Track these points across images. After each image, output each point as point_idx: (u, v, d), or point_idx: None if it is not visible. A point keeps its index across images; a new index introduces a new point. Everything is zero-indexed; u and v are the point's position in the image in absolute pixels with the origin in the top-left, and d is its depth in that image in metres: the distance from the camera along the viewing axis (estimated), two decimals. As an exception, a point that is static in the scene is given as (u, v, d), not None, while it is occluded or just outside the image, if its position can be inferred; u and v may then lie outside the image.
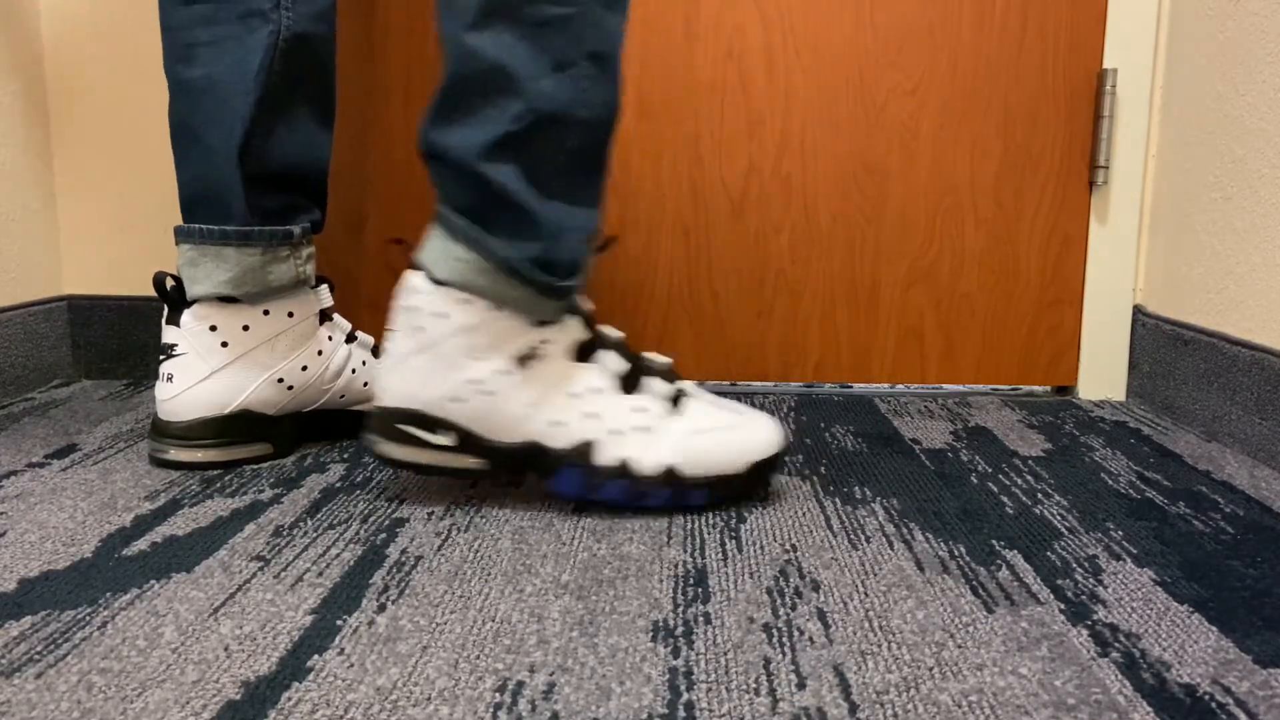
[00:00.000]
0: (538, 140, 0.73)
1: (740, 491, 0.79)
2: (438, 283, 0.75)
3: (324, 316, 0.93)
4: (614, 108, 0.76)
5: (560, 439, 0.76)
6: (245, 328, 0.87)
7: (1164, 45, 1.13)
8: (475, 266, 0.74)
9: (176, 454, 0.86)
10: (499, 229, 0.74)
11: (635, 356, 0.80)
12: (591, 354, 0.79)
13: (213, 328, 0.86)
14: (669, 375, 0.81)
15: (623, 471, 0.76)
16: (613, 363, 0.78)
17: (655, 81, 1.16)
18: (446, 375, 0.75)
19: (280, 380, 0.89)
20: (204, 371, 0.86)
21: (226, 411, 0.87)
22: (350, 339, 0.96)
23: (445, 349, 0.75)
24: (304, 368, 0.90)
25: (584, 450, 0.76)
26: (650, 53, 1.16)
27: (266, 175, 0.87)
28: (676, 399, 0.80)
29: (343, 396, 0.95)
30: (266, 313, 0.88)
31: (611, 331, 0.81)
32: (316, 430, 0.95)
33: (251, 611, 0.59)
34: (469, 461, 0.77)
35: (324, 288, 0.93)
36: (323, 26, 0.88)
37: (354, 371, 0.95)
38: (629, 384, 0.79)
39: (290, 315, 0.89)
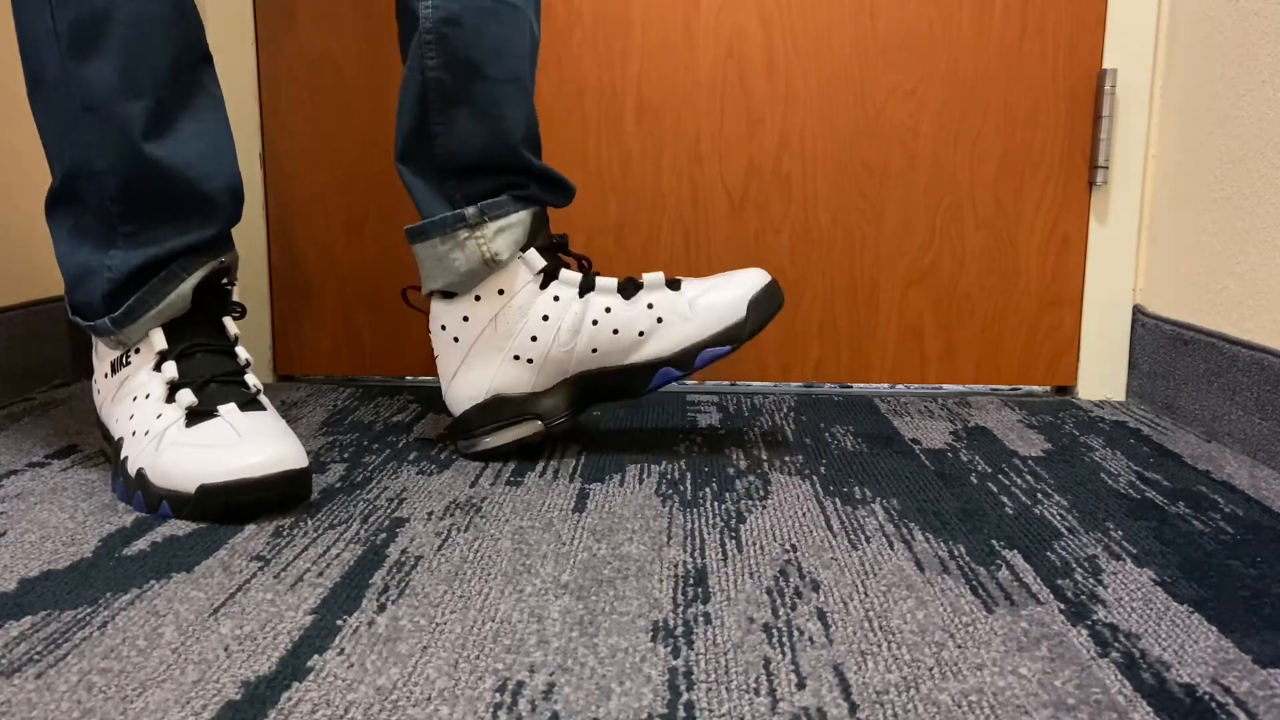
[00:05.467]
0: None
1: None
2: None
3: (549, 277, 0.88)
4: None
5: None
6: (465, 319, 0.89)
7: (1164, 45, 1.13)
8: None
9: (477, 447, 0.90)
10: None
11: None
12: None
13: (443, 327, 0.90)
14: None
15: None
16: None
17: (655, 81, 1.16)
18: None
19: (517, 357, 0.88)
20: (451, 370, 0.90)
21: (479, 401, 0.89)
22: (586, 289, 0.89)
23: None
24: (533, 338, 0.88)
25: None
26: (650, 53, 1.16)
27: (458, 166, 0.88)
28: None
29: (595, 351, 0.88)
30: (478, 298, 0.88)
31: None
32: (595, 393, 0.91)
33: (251, 611, 0.59)
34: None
35: (531, 252, 0.88)
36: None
37: (595, 323, 0.87)
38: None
39: (501, 293, 0.88)
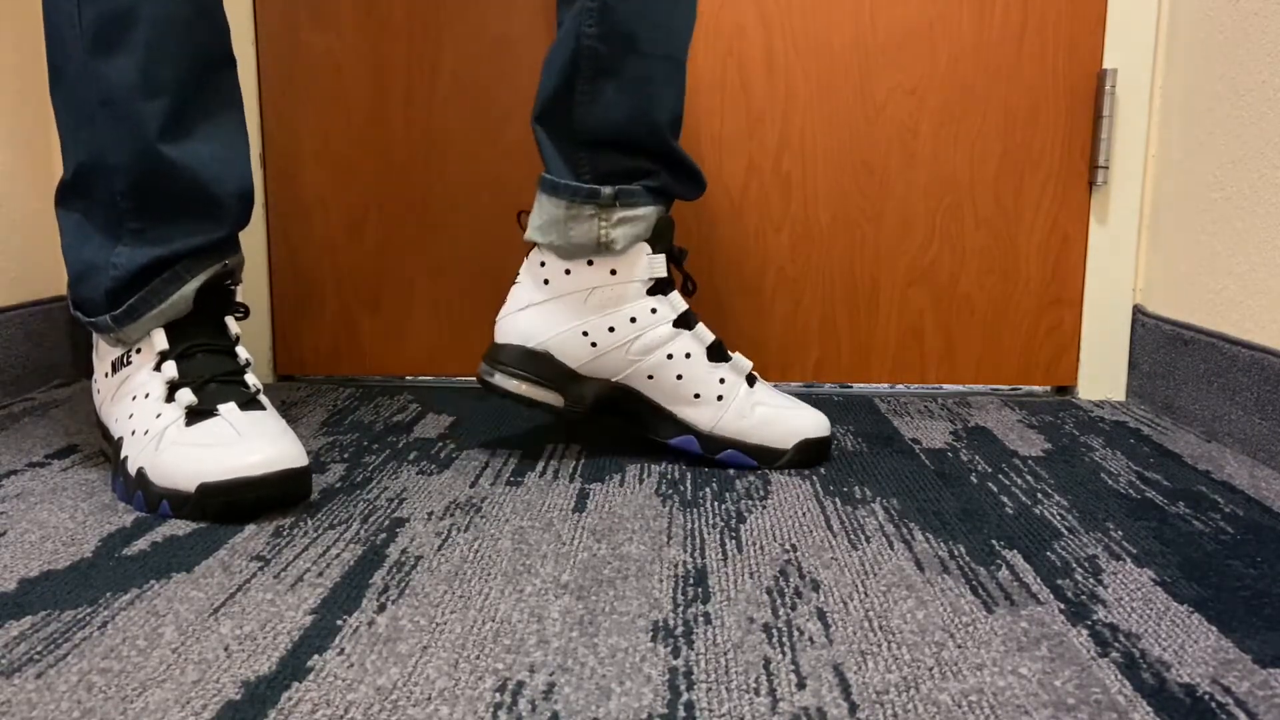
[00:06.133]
0: None
1: None
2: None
3: (662, 288, 0.88)
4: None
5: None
6: (567, 272, 0.88)
7: (1164, 45, 1.13)
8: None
9: (499, 379, 0.89)
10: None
11: None
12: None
13: (542, 264, 0.89)
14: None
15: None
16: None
17: (655, 81, 1.16)
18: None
19: (585, 334, 0.88)
20: (524, 301, 0.90)
21: (530, 345, 0.88)
22: (683, 324, 0.88)
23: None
24: (611, 329, 0.88)
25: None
26: (650, 53, 1.15)
27: (593, 139, 0.87)
28: None
29: (650, 378, 0.88)
30: (590, 263, 0.88)
31: None
32: (618, 407, 0.90)
33: (251, 611, 0.59)
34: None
35: (660, 258, 0.88)
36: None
37: (669, 357, 0.87)
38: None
39: (613, 273, 0.88)
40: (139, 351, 0.82)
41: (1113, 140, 1.15)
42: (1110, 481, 0.87)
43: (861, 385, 1.24)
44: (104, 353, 0.85)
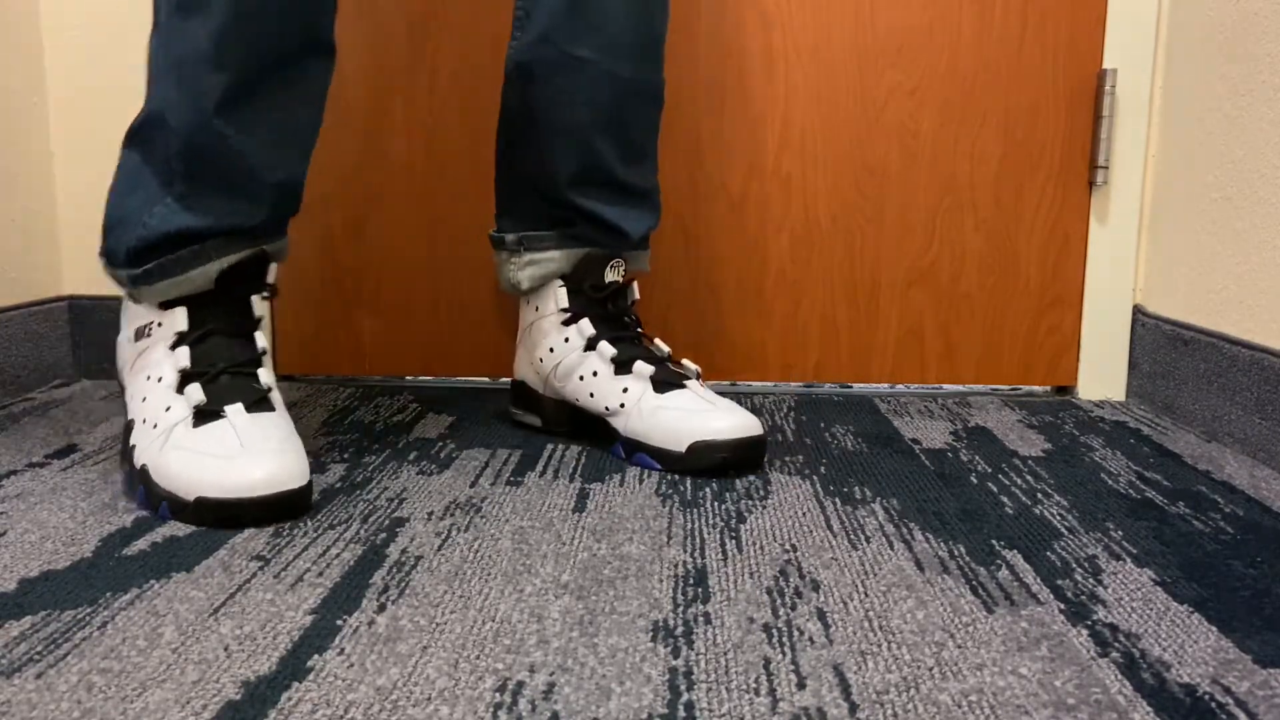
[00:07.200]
0: None
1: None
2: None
3: (574, 318, 0.95)
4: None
5: None
6: (522, 310, 1.01)
7: (1164, 45, 1.13)
8: None
9: (510, 407, 1.04)
10: None
11: None
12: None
13: (525, 303, 1.01)
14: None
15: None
16: None
17: (655, 81, 1.16)
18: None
19: (531, 364, 0.99)
20: (517, 341, 1.03)
21: (515, 376, 1.03)
22: (590, 347, 0.94)
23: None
24: (541, 359, 0.98)
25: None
26: (650, 53, 1.15)
27: (509, 191, 1.00)
28: None
29: (578, 398, 0.95)
30: (526, 302, 1.00)
31: None
32: (582, 422, 0.97)
33: (251, 611, 0.59)
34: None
35: (562, 290, 0.95)
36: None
37: (581, 379, 0.94)
38: None
39: (537, 309, 0.98)
40: (160, 325, 0.82)
41: (1113, 140, 1.15)
42: (1110, 481, 0.87)
43: (861, 385, 1.24)
44: (131, 315, 0.85)
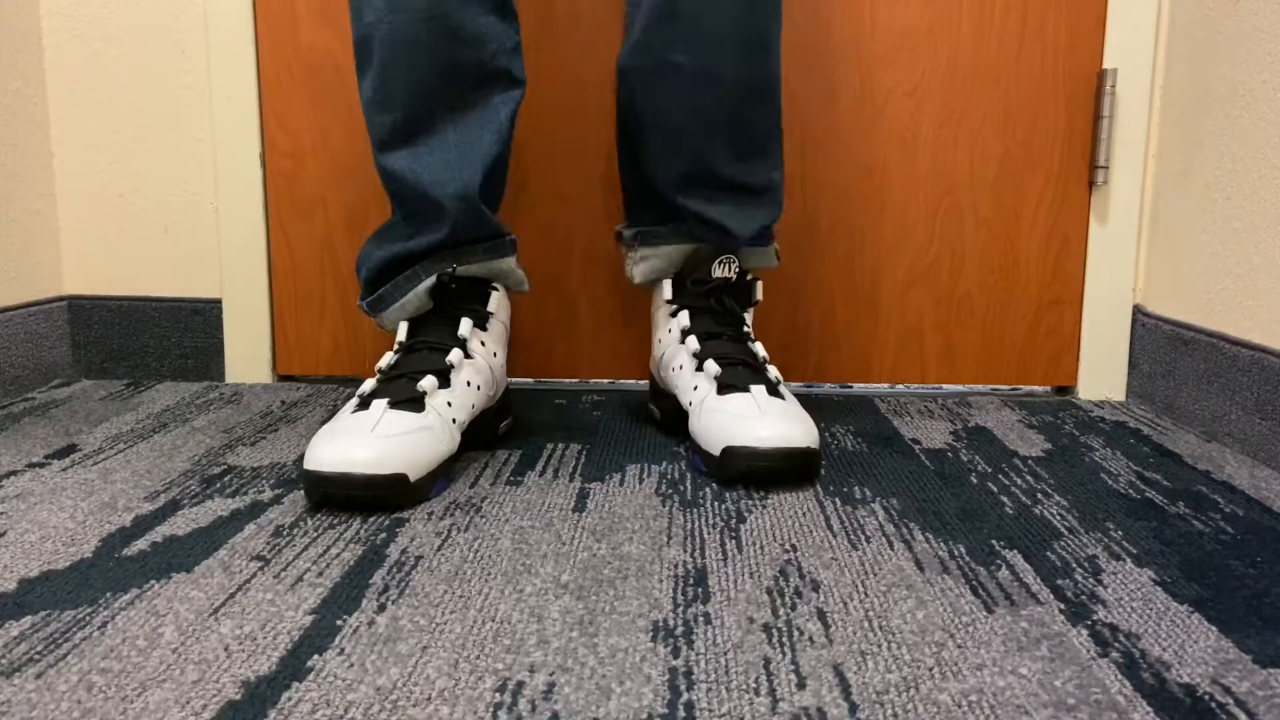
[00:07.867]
0: None
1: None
2: None
3: (677, 310, 0.97)
4: None
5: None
6: (654, 299, 1.03)
7: (1164, 45, 1.13)
8: None
9: (650, 407, 1.07)
10: None
11: None
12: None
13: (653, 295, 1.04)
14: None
15: None
16: None
17: (655, 81, 1.16)
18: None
19: (652, 354, 1.02)
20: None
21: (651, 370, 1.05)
22: (683, 340, 0.95)
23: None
24: (653, 348, 1.02)
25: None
26: (650, 53, 1.15)
27: (631, 190, 1.03)
28: None
29: (675, 392, 0.96)
30: (653, 293, 1.03)
31: None
32: (679, 417, 0.97)
33: (251, 611, 0.59)
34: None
35: (666, 283, 0.98)
36: None
37: (674, 371, 0.96)
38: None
39: (653, 301, 1.03)
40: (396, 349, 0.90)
41: (1113, 140, 1.15)
42: (1110, 481, 0.87)
43: (861, 385, 1.24)
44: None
